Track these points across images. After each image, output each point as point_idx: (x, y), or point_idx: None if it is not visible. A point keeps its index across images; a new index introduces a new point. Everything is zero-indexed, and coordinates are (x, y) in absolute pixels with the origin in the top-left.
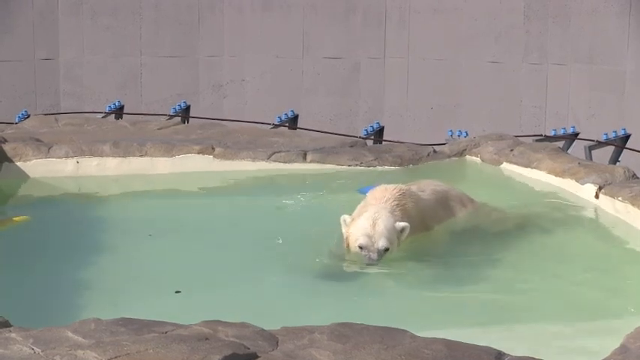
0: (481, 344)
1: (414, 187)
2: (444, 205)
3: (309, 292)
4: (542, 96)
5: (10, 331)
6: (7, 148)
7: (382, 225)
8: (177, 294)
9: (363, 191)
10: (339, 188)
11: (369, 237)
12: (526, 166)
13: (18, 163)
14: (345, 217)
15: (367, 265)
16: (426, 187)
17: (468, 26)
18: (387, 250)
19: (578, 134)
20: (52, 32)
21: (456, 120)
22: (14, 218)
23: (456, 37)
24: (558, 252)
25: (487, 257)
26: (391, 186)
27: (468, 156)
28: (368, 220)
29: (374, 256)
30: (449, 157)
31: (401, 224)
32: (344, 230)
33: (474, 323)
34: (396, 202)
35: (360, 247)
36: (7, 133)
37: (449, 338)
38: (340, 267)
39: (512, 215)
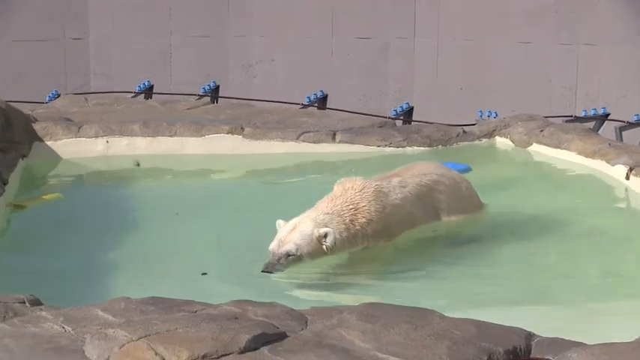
0: (511, 325)
1: (394, 180)
2: (425, 204)
3: (338, 272)
4: (573, 77)
5: (41, 310)
6: (37, 127)
7: (298, 231)
8: (203, 276)
9: None
10: (370, 169)
11: (279, 241)
12: (556, 146)
13: (48, 143)
14: (280, 222)
15: (262, 271)
16: (412, 179)
17: (498, 6)
18: (291, 255)
19: (608, 115)
20: (82, 12)
21: (486, 100)
22: (44, 196)
23: (485, 18)
24: (588, 233)
25: (516, 239)
26: (358, 181)
27: (497, 137)
28: (289, 226)
29: (273, 259)
30: (478, 137)
31: (322, 230)
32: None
33: (504, 304)
34: (348, 204)
35: (270, 252)
36: (37, 113)
37: (478, 319)
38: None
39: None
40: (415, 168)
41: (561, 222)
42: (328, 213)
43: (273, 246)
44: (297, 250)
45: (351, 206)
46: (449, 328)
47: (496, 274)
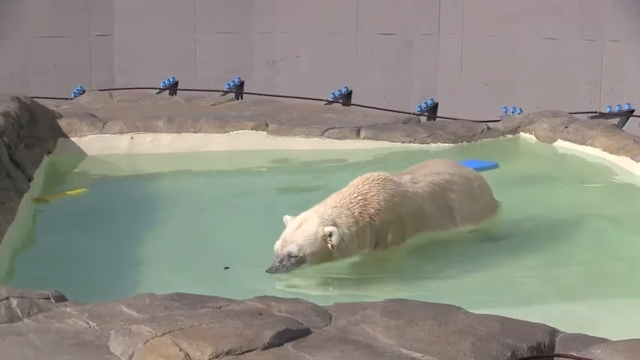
0: (535, 321)
1: (406, 177)
2: (439, 202)
3: (362, 268)
4: (597, 73)
5: (66, 306)
6: (62, 123)
7: (301, 230)
8: (226, 270)
9: None
10: (394, 165)
11: (283, 241)
12: (581, 143)
13: (73, 139)
14: (287, 217)
15: (267, 272)
16: (424, 177)
17: (522, 3)
18: (293, 256)
19: (633, 111)
20: (106, 9)
21: (510, 97)
22: (68, 191)
23: (510, 14)
24: (612, 230)
25: (540, 236)
26: (368, 174)
27: (522, 133)
28: (296, 222)
29: (276, 262)
30: (503, 133)
31: (327, 229)
32: None
33: (528, 301)
34: (357, 195)
35: (274, 252)
36: (62, 109)
37: (502, 315)
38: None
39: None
40: (427, 167)
41: (585, 219)
42: (336, 206)
43: (277, 245)
44: (299, 251)
45: (359, 197)
46: (473, 325)
47: (519, 271)
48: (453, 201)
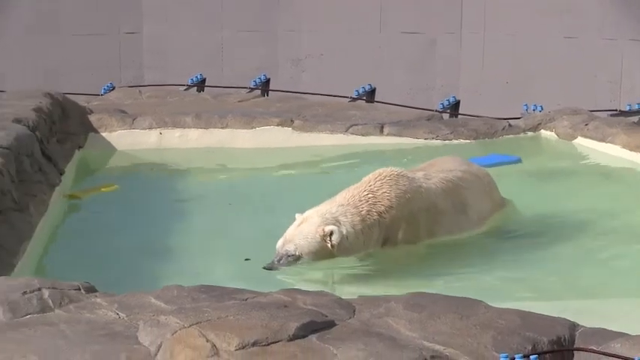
0: (555, 316)
1: (419, 173)
2: (453, 199)
3: (385, 262)
4: (617, 71)
5: (96, 297)
6: (92, 119)
7: (300, 229)
8: (246, 261)
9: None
10: (417, 161)
11: (284, 239)
12: (601, 140)
13: (103, 134)
14: (297, 215)
15: (263, 268)
16: (436, 174)
17: (543, 1)
18: (290, 255)
19: None
20: (136, 7)
21: (531, 94)
22: (102, 188)
23: (531, 13)
24: (633, 227)
25: (560, 232)
26: (382, 172)
27: (542, 130)
28: (298, 221)
29: (275, 260)
30: (524, 131)
31: (328, 228)
32: None
33: (548, 296)
34: (367, 192)
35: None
36: (93, 105)
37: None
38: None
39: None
40: (436, 164)
41: (605, 215)
42: (342, 204)
43: (278, 243)
44: (295, 250)
45: (369, 195)
46: (494, 318)
47: (538, 266)
48: (466, 198)
